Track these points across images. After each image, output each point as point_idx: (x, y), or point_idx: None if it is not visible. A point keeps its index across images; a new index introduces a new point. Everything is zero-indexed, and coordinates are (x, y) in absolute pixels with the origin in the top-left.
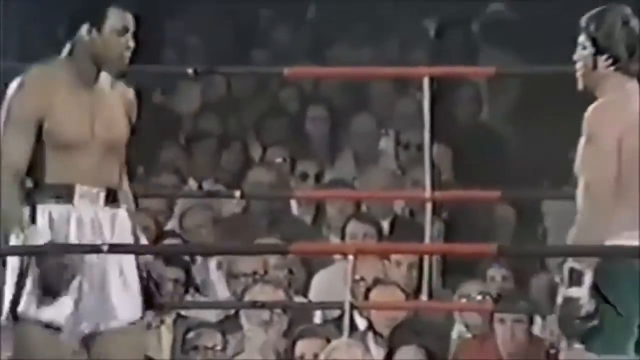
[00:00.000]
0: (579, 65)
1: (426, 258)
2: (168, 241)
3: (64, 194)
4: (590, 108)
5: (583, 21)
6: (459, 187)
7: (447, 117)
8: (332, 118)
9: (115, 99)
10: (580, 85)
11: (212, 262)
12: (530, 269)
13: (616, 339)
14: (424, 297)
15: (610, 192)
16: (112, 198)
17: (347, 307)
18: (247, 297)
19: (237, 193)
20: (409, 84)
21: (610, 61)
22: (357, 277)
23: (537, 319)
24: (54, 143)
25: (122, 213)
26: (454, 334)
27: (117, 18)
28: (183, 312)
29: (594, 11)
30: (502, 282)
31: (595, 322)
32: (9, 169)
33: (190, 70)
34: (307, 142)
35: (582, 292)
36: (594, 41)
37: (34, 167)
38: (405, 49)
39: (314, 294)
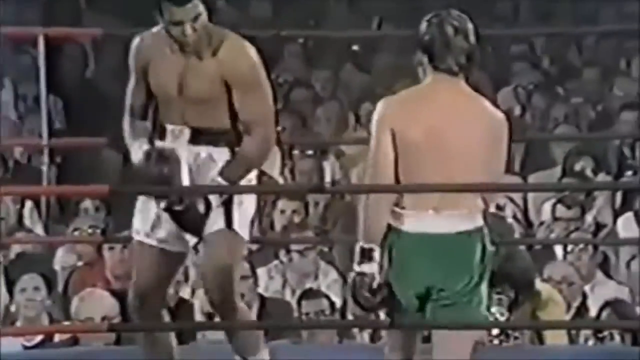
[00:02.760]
0: (415, 60)
1: (44, 198)
2: None
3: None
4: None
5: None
6: (70, 135)
7: (57, 73)
8: None
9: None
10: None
11: None
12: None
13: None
14: (40, 231)
15: (381, 177)
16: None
17: None
18: None
19: None
20: (22, 42)
21: (425, 58)
22: None
23: None
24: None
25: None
26: (60, 264)
27: (168, 13)
28: None
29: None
30: (95, 212)
31: (383, 295)
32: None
33: None
34: None
35: (373, 268)
36: (419, 42)
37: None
38: (20, 9)
39: None
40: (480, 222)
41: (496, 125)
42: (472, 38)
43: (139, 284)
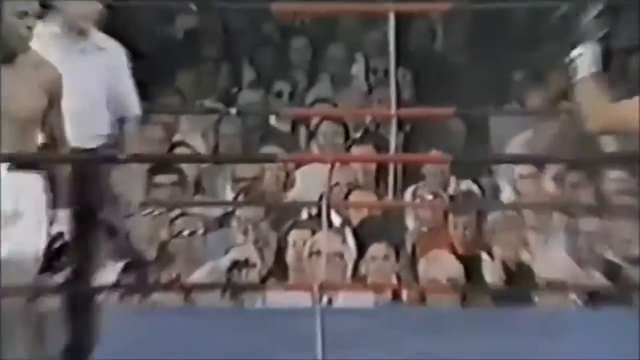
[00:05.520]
0: None
1: (392, 165)
2: (179, 150)
3: None
4: None
5: None
6: (418, 105)
7: (407, 46)
8: (311, 47)
9: (32, 77)
10: None
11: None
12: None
13: None
14: (389, 197)
15: None
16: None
17: (324, 206)
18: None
19: (234, 110)
20: (375, 17)
21: None
22: (334, 182)
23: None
24: None
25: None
26: (410, 227)
27: (14, 3)
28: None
29: None
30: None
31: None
32: None
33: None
34: (290, 67)
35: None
36: None
37: None
38: None
39: (299, 189)
40: None
41: None
42: None
43: None
